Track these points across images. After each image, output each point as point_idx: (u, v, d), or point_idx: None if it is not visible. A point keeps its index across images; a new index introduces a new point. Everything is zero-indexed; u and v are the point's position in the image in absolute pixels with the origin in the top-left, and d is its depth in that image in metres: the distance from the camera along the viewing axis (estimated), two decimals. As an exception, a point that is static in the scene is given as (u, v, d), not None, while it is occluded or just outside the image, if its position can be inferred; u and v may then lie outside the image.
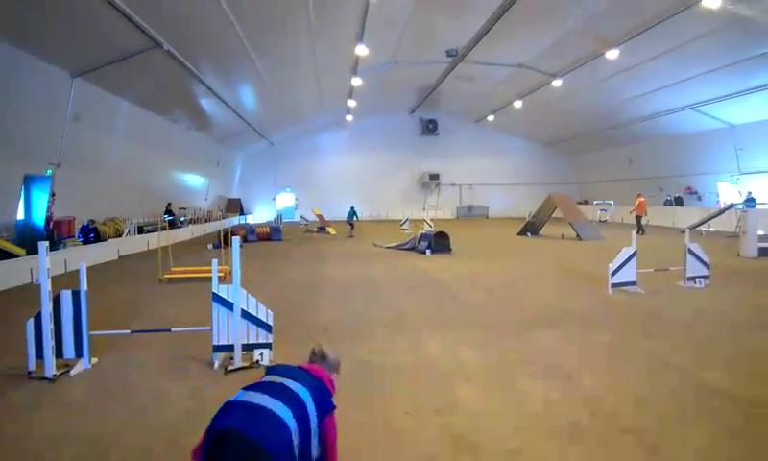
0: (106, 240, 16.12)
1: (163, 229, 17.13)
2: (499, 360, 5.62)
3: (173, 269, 11.59)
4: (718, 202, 25.55)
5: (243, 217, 35.90)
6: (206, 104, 22.67)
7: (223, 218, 28.85)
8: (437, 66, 25.58)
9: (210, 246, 18.38)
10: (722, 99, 22.20)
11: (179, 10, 14.03)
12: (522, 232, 22.40)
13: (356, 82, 24.93)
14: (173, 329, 6.11)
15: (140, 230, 19.07)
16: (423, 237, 16.46)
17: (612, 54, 19.59)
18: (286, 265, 13.99)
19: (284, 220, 32.89)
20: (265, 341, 5.60)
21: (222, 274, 9.95)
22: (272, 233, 21.66)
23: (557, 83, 24.49)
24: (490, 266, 13.25)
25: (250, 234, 20.96)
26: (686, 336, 6.51)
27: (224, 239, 15.46)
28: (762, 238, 14.73)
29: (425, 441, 3.83)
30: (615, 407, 4.33)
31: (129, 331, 6.25)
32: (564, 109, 29.79)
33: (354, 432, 3.91)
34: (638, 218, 21.80)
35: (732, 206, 20.42)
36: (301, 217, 33.12)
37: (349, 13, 17.66)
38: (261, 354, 5.55)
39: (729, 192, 25.30)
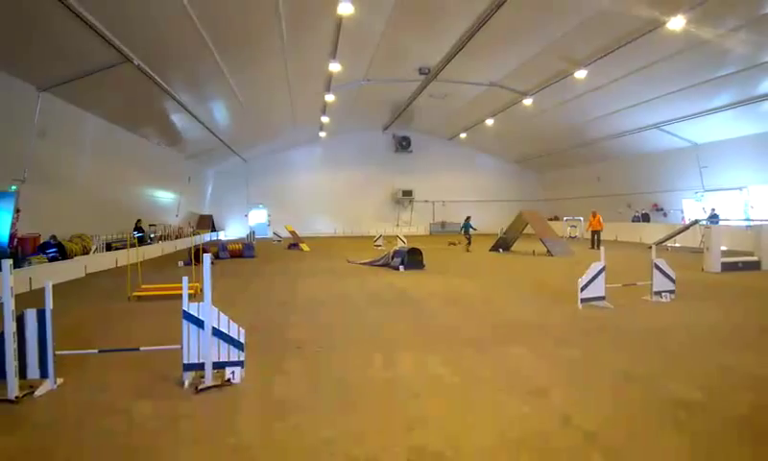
0: (72, 257, 15.70)
1: (132, 245, 16.78)
2: (471, 376, 5.65)
3: (142, 287, 11.35)
4: (683, 218, 26.33)
5: (215, 234, 35.47)
6: (178, 119, 22.45)
7: (194, 235, 28.43)
8: (410, 84, 25.88)
9: (181, 263, 18.08)
10: (686, 119, 23.02)
11: (150, 25, 13.91)
12: (494, 248, 22.64)
13: (329, 98, 25.04)
14: (142, 349, 5.98)
15: (109, 247, 18.63)
16: (397, 254, 16.51)
17: (581, 74, 20.16)
18: (259, 282, 13.85)
19: (257, 236, 32.60)
20: (237, 359, 5.52)
21: (193, 291, 9.80)
22: (244, 250, 21.42)
23: (527, 101, 25.03)
24: (462, 282, 13.35)
25: (221, 251, 20.68)
26: (652, 349, 6.66)
27: (194, 256, 15.25)
28: (725, 254, 15.22)
29: (395, 458, 3.82)
30: (585, 422, 4.38)
31: (96, 351, 6.08)
32: (534, 127, 30.43)
33: (325, 450, 3.89)
34: (595, 233, 22.44)
35: (696, 222, 21.04)
36: (274, 234, 32.92)
37: (322, 31, 17.80)
38: (233, 372, 5.47)
39: (693, 208, 26.12)
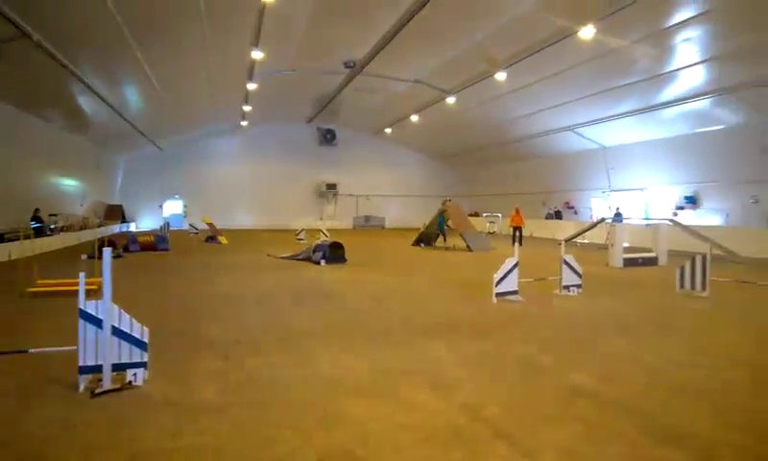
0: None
1: (27, 237, 15.40)
2: (387, 370, 5.63)
3: (38, 282, 10.43)
4: (591, 216, 27.95)
5: (126, 225, 33.50)
6: (85, 103, 20.94)
7: (101, 226, 26.68)
8: (335, 77, 25.64)
9: (85, 256, 16.85)
10: (595, 122, 24.47)
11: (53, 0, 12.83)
12: (416, 243, 22.95)
13: (252, 87, 24.30)
14: (31, 351, 5.45)
15: (1, 239, 17.05)
16: (318, 248, 16.31)
17: (501, 76, 20.80)
18: (172, 277, 13.17)
19: (172, 228, 31.13)
20: (139, 360, 5.17)
21: (94, 287, 9.13)
22: (157, 243, 20.29)
23: (451, 99, 25.53)
24: (382, 276, 13.40)
25: (131, 244, 19.48)
26: (558, 340, 6.96)
27: (99, 249, 14.25)
28: (627, 250, 16.26)
29: (305, 459, 3.70)
30: (493, 413, 4.49)
31: (-25, 354, 5.48)
32: (457, 125, 31.16)
33: (234, 454, 3.71)
34: (517, 229, 23.16)
35: (602, 220, 22.35)
36: (191, 226, 31.56)
37: (245, 16, 17.17)
38: (135, 374, 5.12)
39: (600, 207, 27.80)
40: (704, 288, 10.29)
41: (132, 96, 23.27)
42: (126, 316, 5.12)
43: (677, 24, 15.42)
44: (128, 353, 5.12)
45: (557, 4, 15.85)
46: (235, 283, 12.01)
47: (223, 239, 24.44)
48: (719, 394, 4.96)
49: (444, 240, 22.31)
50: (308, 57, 22.91)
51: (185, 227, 34.16)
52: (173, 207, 37.74)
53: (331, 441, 3.96)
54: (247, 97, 27.29)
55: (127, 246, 19.18)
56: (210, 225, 26.37)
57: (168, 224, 30.55)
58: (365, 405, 4.66)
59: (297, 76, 25.32)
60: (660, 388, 5.11)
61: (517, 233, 22.74)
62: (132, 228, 34.19)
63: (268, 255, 18.31)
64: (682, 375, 5.53)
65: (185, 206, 37.61)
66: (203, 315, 8.52)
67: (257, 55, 19.73)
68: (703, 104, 19.75)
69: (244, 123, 34.54)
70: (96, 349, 4.99)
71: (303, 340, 6.92)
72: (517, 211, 23.55)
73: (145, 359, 5.21)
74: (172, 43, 18.31)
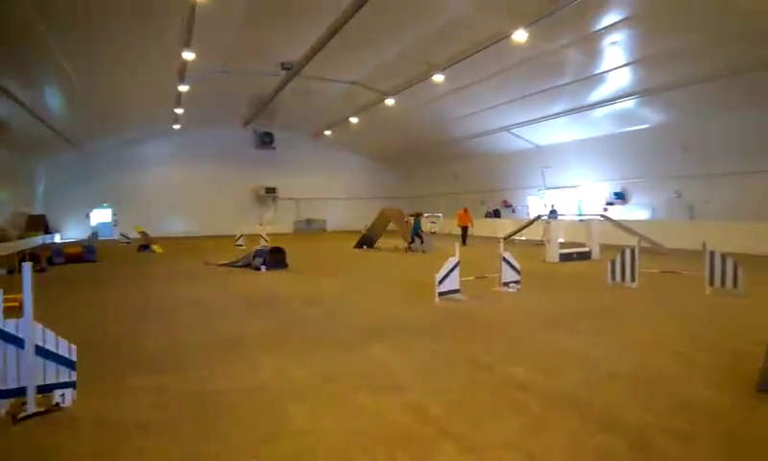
0: None
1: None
2: (331, 376, 5.56)
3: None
4: (528, 214, 28.85)
5: (50, 236, 31.58)
6: (-2, 105, 19.60)
7: (21, 238, 25.02)
8: (272, 78, 25.20)
9: (3, 271, 15.73)
10: (530, 123, 25.30)
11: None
12: (359, 245, 22.91)
13: (183, 88, 23.50)
14: (-58, 376, 4.99)
15: None
16: (258, 253, 15.95)
17: (439, 77, 21.11)
18: (102, 290, 12.51)
19: (101, 238, 29.63)
20: (67, 379, 4.84)
21: (15, 304, 8.51)
22: (84, 254, 19.24)
23: (390, 101, 25.65)
24: (325, 280, 13.28)
25: (56, 256, 18.36)
26: (500, 337, 7.11)
27: (20, 263, 13.34)
28: (563, 245, 16.87)
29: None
30: (438, 412, 4.50)
31: None
32: (396, 127, 31.38)
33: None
34: (464, 229, 23.54)
35: (539, 217, 23.05)
36: (122, 235, 30.16)
37: (173, 16, 16.58)
38: (63, 395, 4.79)
39: (536, 205, 28.74)
40: (633, 280, 10.80)
41: (53, 98, 21.99)
42: (51, 333, 4.79)
43: (604, 28, 16.16)
44: (54, 373, 4.78)
45: (491, 7, 16.23)
46: (171, 294, 11.55)
47: (157, 248, 23.48)
48: (649, 380, 5.20)
49: (422, 242, 20.76)
50: (243, 58, 22.43)
51: (116, 236, 32.62)
52: (101, 216, 35.93)
53: (276, 452, 3.84)
54: (179, 99, 26.35)
55: (51, 258, 18.07)
56: (143, 233, 25.30)
57: (96, 233, 29.09)
58: (310, 413, 4.57)
59: (232, 78, 24.71)
60: (596, 377, 5.30)
61: (465, 233, 23.01)
62: (57, 239, 32.27)
63: (206, 263, 17.74)
64: (615, 363, 5.75)
65: (115, 215, 35.90)
66: (136, 328, 8.13)
67: (189, 56, 19.09)
68: (629, 104, 20.82)
69: (176, 126, 33.33)
70: (18, 370, 4.63)
71: (244, 349, 6.73)
72: (465, 211, 23.90)
73: (73, 378, 4.88)
74: (95, 41, 17.39)
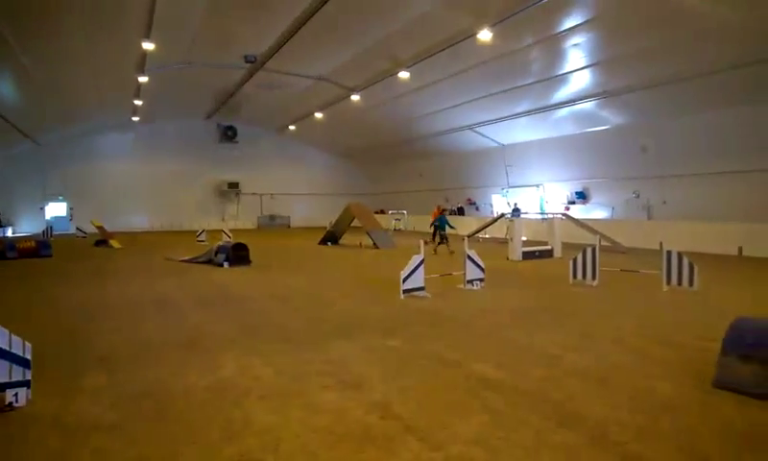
0: None
1: None
2: (295, 373, 5.49)
3: None
4: (492, 212, 29.19)
5: (1, 230, 30.30)
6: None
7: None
8: (235, 71, 24.77)
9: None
10: (494, 122, 25.57)
11: None
12: (323, 242, 22.76)
13: (143, 80, 22.83)
14: None
15: None
16: (220, 249, 15.64)
17: (404, 74, 21.12)
18: (57, 286, 12.05)
19: (56, 232, 28.57)
20: (21, 378, 4.63)
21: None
22: (39, 248, 18.56)
23: (355, 97, 25.54)
24: (290, 277, 13.15)
25: (9, 250, 17.67)
26: (464, 334, 7.17)
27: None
28: (525, 244, 17.12)
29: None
30: (403, 409, 4.50)
31: None
32: (362, 123, 31.28)
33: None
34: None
35: (502, 215, 23.35)
36: (78, 229, 29.13)
37: (133, 5, 16.07)
38: (16, 395, 4.58)
39: (500, 203, 29.10)
40: (594, 278, 11.04)
41: (5, 88, 21.04)
42: (4, 331, 4.57)
43: (567, 30, 16.44)
44: (6, 372, 4.57)
45: (457, 6, 16.32)
46: (130, 290, 11.23)
47: (115, 243, 22.76)
48: (609, 376, 5.31)
49: (447, 242, 18.19)
50: (205, 50, 21.96)
51: (72, 230, 31.51)
52: (57, 210, 34.66)
53: (239, 452, 3.75)
54: (138, 91, 25.60)
55: (4, 253, 17.39)
56: (100, 228, 24.48)
57: (51, 228, 28.04)
58: (273, 411, 4.49)
59: (193, 70, 24.16)
60: (558, 373, 5.40)
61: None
62: (10, 233, 30.98)
63: (166, 259, 17.32)
64: (576, 360, 5.87)
65: (71, 209, 34.68)
66: (94, 326, 7.86)
67: (148, 46, 18.56)
68: (590, 105, 21.28)
69: (135, 118, 32.42)
70: (-35, 370, 4.40)
71: (206, 347, 6.58)
72: (439, 208, 23.89)
73: (28, 377, 4.69)
74: (51, 30, 16.71)
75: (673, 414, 4.32)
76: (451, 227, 18.60)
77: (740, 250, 16.80)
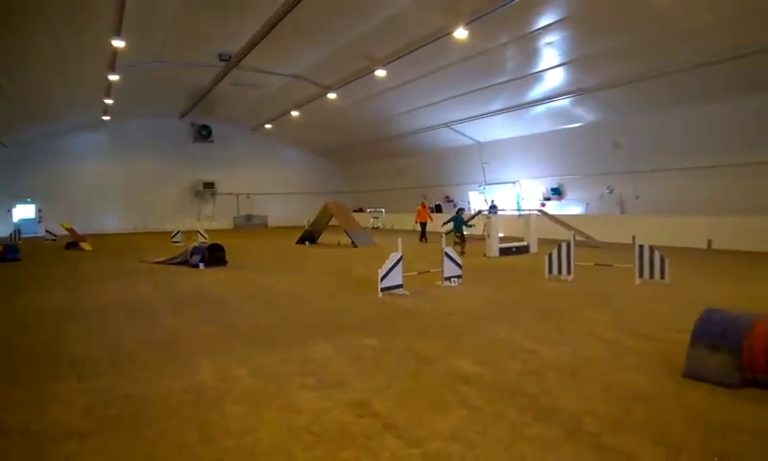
0: None
1: None
2: (272, 374, 5.45)
3: None
4: (469, 209, 29.36)
5: (-33, 234, 29.45)
6: None
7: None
8: (209, 70, 24.43)
9: None
10: (471, 120, 25.74)
11: None
12: (301, 241, 22.63)
13: (114, 78, 22.36)
14: None
15: None
16: (196, 250, 15.42)
17: (380, 72, 21.11)
18: (26, 290, 11.76)
19: (24, 236, 27.84)
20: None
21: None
22: (6, 252, 18.05)
23: (332, 95, 25.44)
24: (267, 277, 13.05)
25: (-25, 254, 17.18)
26: (441, 330, 7.21)
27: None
28: (502, 240, 17.27)
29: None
30: (381, 407, 4.50)
31: None
32: (339, 121, 31.17)
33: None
34: (423, 225, 23.22)
35: (479, 212, 23.50)
36: (48, 232, 28.45)
37: (102, 1, 15.73)
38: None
39: (477, 200, 29.30)
40: (569, 273, 11.20)
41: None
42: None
43: (541, 28, 16.63)
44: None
45: (432, 4, 16.35)
46: (103, 294, 10.99)
47: (86, 245, 22.28)
48: (583, 368, 5.40)
49: (463, 242, 17.14)
50: (179, 48, 21.62)
51: (41, 233, 30.75)
52: (25, 212, 33.80)
53: (215, 456, 3.71)
54: (109, 89, 25.05)
55: (-31, 257, 16.87)
56: (70, 230, 23.94)
57: (19, 230, 27.33)
58: (250, 413, 4.45)
59: (166, 68, 23.78)
60: (535, 367, 5.46)
61: (423, 229, 22.73)
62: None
63: (140, 261, 17.02)
64: (551, 353, 5.95)
65: (40, 211, 33.85)
66: (67, 331, 7.68)
67: (119, 44, 18.16)
68: (564, 103, 21.58)
69: (106, 117, 31.71)
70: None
71: (182, 350, 6.48)
72: (423, 206, 23.81)
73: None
74: (14, 26, 16.22)
75: (646, 404, 4.41)
76: (468, 226, 17.75)
77: (709, 243, 17.21)
